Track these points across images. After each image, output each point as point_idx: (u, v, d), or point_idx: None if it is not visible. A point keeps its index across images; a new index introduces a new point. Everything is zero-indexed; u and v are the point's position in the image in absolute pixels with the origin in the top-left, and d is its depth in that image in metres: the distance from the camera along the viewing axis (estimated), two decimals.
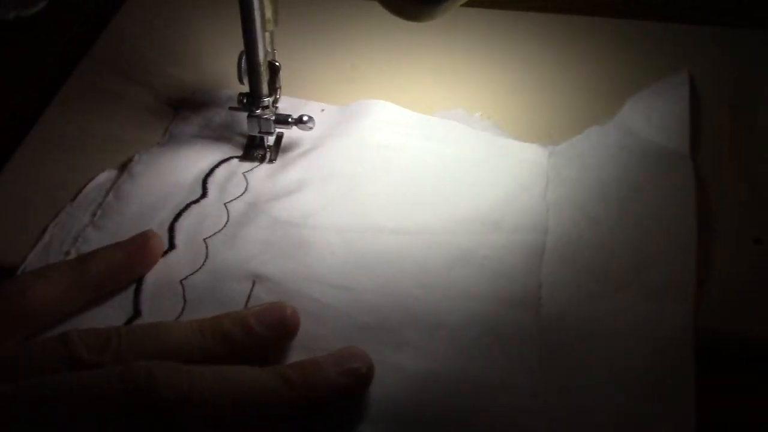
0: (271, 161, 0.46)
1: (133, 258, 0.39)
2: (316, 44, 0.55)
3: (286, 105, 0.48)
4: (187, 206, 0.43)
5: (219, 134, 0.49)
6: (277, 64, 0.45)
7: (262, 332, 0.35)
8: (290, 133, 0.48)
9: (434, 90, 0.52)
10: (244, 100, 0.46)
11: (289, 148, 0.48)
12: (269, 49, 0.45)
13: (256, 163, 0.46)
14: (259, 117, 0.45)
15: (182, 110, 0.51)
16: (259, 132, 0.46)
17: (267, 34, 0.44)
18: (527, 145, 0.47)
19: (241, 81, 0.45)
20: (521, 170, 0.45)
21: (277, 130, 0.47)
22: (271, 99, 0.46)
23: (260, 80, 0.45)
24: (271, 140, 0.47)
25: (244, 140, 0.48)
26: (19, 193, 0.45)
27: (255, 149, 0.47)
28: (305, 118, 0.46)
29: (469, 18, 0.55)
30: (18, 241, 0.42)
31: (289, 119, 0.46)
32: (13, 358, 0.31)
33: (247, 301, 0.38)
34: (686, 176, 0.42)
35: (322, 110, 0.50)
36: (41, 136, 0.49)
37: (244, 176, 0.46)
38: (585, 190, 0.43)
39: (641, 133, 0.46)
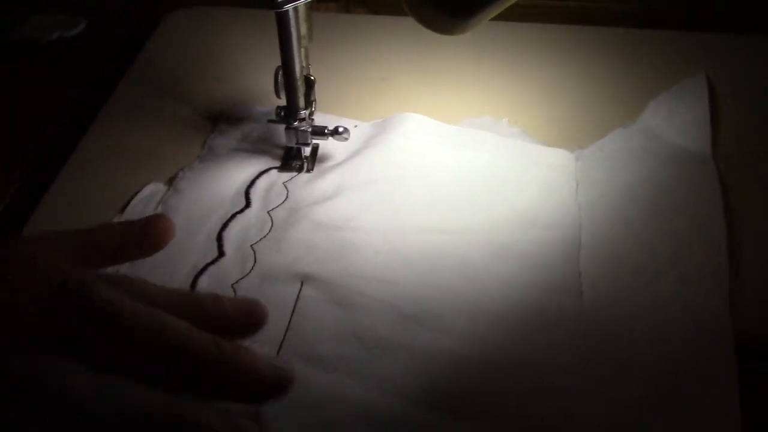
0: (308, 171, 0.49)
1: (144, 236, 0.35)
2: (346, 59, 0.58)
3: (320, 120, 0.50)
4: (233, 216, 0.45)
5: (257, 147, 0.51)
6: (312, 78, 0.48)
7: (228, 305, 0.31)
8: (325, 146, 0.50)
9: (461, 100, 0.54)
10: (282, 113, 0.48)
11: (325, 159, 0.50)
12: (304, 64, 0.47)
13: (294, 173, 0.49)
14: (296, 129, 0.48)
15: (220, 124, 0.53)
16: (297, 143, 0.48)
17: (302, 50, 0.46)
18: (555, 150, 0.49)
19: (278, 95, 0.47)
20: (551, 173, 0.47)
21: (314, 141, 0.49)
22: (307, 111, 0.48)
23: (297, 94, 0.47)
24: (307, 151, 0.49)
25: (281, 152, 0.50)
26: (65, 208, 0.47)
27: (292, 160, 0.49)
28: (341, 129, 0.48)
29: (495, 30, 0.58)
30: None
31: (326, 131, 0.48)
32: None
33: (297, 301, 0.40)
34: (711, 177, 0.44)
35: (355, 126, 0.52)
36: (86, 152, 0.51)
37: (284, 185, 0.48)
38: (615, 191, 0.45)
39: (664, 136, 0.48)
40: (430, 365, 0.36)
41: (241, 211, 0.46)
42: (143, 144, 0.52)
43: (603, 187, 0.46)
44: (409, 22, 0.62)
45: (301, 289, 0.41)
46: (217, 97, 0.55)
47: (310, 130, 0.48)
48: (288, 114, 0.48)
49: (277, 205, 0.46)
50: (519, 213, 0.45)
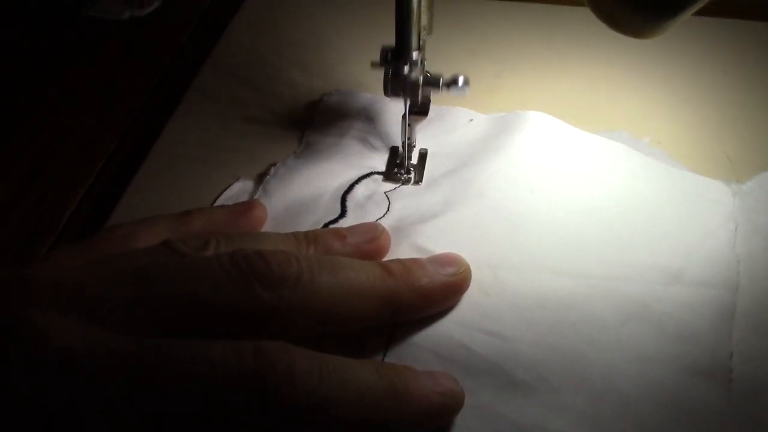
0: (416, 183, 0.42)
1: (236, 222, 0.38)
2: (458, 50, 0.51)
3: (431, 114, 0.43)
4: (325, 226, 0.40)
5: (358, 145, 0.45)
6: (428, 74, 0.41)
7: (355, 241, 0.35)
8: (435, 149, 0.44)
9: (589, 106, 0.47)
10: (388, 57, 0.40)
11: (434, 164, 0.43)
12: (420, 66, 0.40)
13: (398, 185, 0.42)
14: (406, 77, 0.39)
15: (316, 117, 0.47)
16: (403, 94, 0.40)
17: (421, 43, 0.39)
18: (710, 181, 0.41)
19: (386, 93, 0.41)
20: (705, 211, 0.39)
21: (424, 96, 0.41)
22: (420, 55, 0.40)
23: (411, 30, 0.38)
24: (414, 158, 0.43)
25: (385, 150, 0.44)
26: (146, 206, 0.42)
27: (398, 168, 0.43)
28: (460, 80, 0.40)
29: None
30: None
31: (441, 80, 0.40)
32: (119, 255, 0.31)
33: (386, 348, 0.34)
34: None
35: (471, 120, 0.45)
36: (165, 148, 0.46)
37: (386, 195, 0.41)
38: None
39: None
40: None
41: (335, 220, 0.40)
42: (227, 138, 0.46)
43: (767, 235, 0.38)
44: (528, 9, 0.55)
45: (392, 333, 0.34)
46: (308, 89, 0.49)
47: (421, 79, 0.40)
48: (397, 55, 0.39)
49: (377, 218, 0.40)
50: (662, 260, 0.36)
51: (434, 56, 0.42)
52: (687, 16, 0.27)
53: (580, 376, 0.32)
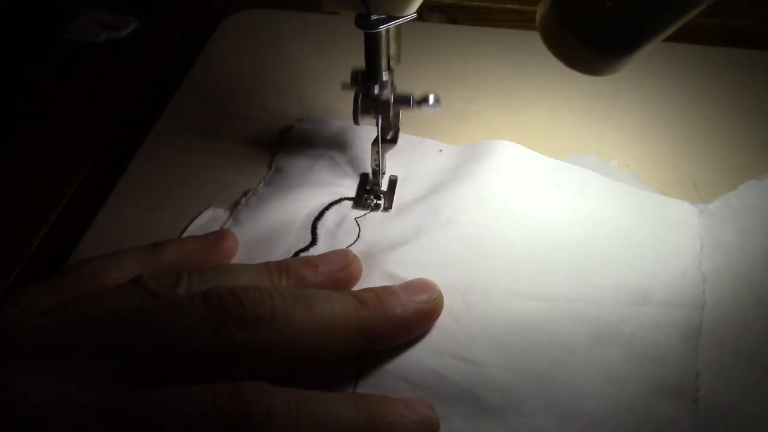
0: (385, 209, 0.42)
1: (207, 252, 0.38)
2: (429, 76, 0.51)
3: (401, 142, 0.44)
4: (296, 254, 0.40)
5: (328, 171, 0.45)
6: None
7: (327, 269, 0.36)
8: (405, 176, 0.44)
9: (559, 131, 0.48)
10: (359, 79, 0.40)
11: (404, 191, 0.44)
12: (389, 87, 0.41)
13: (368, 211, 0.42)
14: (376, 98, 0.40)
15: (286, 143, 0.47)
16: (375, 114, 0.40)
17: (389, 72, 0.40)
18: (676, 202, 0.42)
19: (356, 121, 0.41)
20: (671, 232, 0.40)
21: (395, 112, 0.42)
22: (390, 75, 0.40)
23: (380, 54, 0.39)
24: (384, 185, 0.43)
25: (355, 176, 0.44)
26: (116, 232, 0.42)
27: (368, 194, 0.43)
28: (431, 98, 0.41)
29: None
30: None
31: (411, 99, 0.41)
32: (90, 297, 0.31)
33: (357, 377, 0.34)
34: None
35: (440, 151, 0.46)
36: (138, 171, 0.45)
37: (356, 222, 0.42)
38: (748, 260, 0.37)
39: None
40: None
41: (306, 248, 0.40)
42: (201, 162, 0.46)
43: (732, 253, 0.38)
44: (494, 34, 0.56)
45: (364, 362, 0.34)
46: (283, 111, 0.50)
47: (392, 98, 0.40)
48: (367, 76, 0.40)
49: (347, 245, 0.40)
50: (630, 281, 0.37)
51: (405, 82, 0.42)
52: (641, 54, 0.28)
53: (551, 399, 0.32)
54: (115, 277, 0.33)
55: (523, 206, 0.41)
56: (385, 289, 0.34)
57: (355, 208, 0.42)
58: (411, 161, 0.45)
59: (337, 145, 0.46)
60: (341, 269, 0.36)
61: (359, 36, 0.39)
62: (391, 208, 0.43)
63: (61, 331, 0.28)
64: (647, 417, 0.32)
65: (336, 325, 0.31)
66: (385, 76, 0.40)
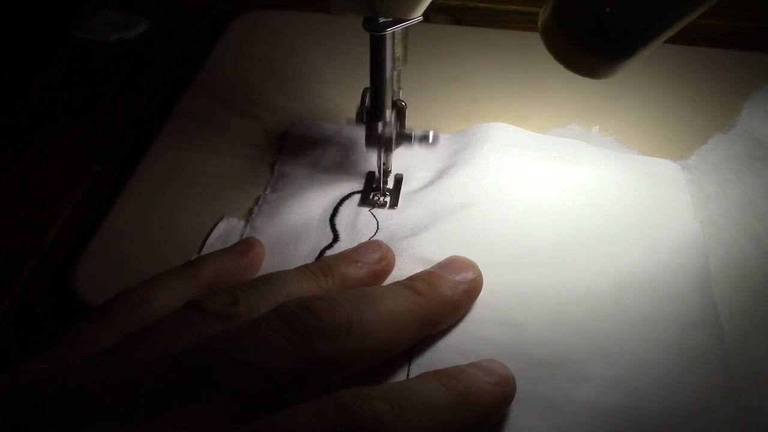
0: (391, 207, 0.43)
1: (239, 263, 0.38)
2: (434, 76, 0.52)
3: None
4: (322, 252, 0.40)
5: (332, 171, 0.46)
6: (403, 104, 0.42)
7: (366, 263, 0.36)
8: (408, 168, 0.45)
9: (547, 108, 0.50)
10: (364, 115, 0.42)
11: (409, 183, 0.45)
12: (395, 89, 0.42)
13: (375, 208, 0.43)
14: (381, 134, 0.42)
15: (288, 145, 0.48)
16: (379, 146, 0.42)
17: (395, 73, 0.41)
18: (659, 161, 0.46)
19: (360, 120, 0.42)
20: (662, 188, 0.43)
21: (397, 149, 0.43)
22: (393, 114, 0.42)
23: (384, 94, 0.41)
24: (390, 183, 0.44)
25: (360, 176, 0.45)
26: (127, 229, 0.42)
27: (374, 192, 0.44)
28: (431, 136, 0.42)
29: None
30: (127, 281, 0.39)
31: (413, 135, 0.43)
32: (154, 331, 0.30)
33: (412, 350, 0.35)
34: None
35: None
36: (150, 169, 0.46)
37: (372, 214, 0.43)
38: (734, 205, 0.43)
39: (766, 140, 0.47)
40: (573, 419, 0.32)
41: (330, 245, 0.41)
42: (211, 162, 0.47)
43: (720, 201, 0.43)
44: (498, 35, 0.57)
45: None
46: (291, 111, 0.51)
47: (394, 135, 0.42)
48: (372, 116, 0.42)
49: (368, 238, 0.41)
50: (638, 235, 0.40)
51: (410, 83, 0.43)
52: (641, 57, 0.29)
53: (593, 346, 0.35)
54: (164, 303, 0.33)
55: (530, 180, 0.44)
56: (431, 275, 0.35)
57: (362, 206, 0.43)
58: (408, 152, 0.46)
59: (335, 146, 0.47)
60: (379, 261, 0.37)
61: (366, 37, 0.40)
62: (396, 205, 0.43)
63: (140, 376, 0.27)
64: (682, 348, 0.35)
65: (402, 320, 0.32)
66: (387, 115, 0.42)
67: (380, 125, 0.42)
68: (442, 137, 0.47)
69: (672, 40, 0.30)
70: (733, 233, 0.41)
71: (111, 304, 0.33)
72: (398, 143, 0.43)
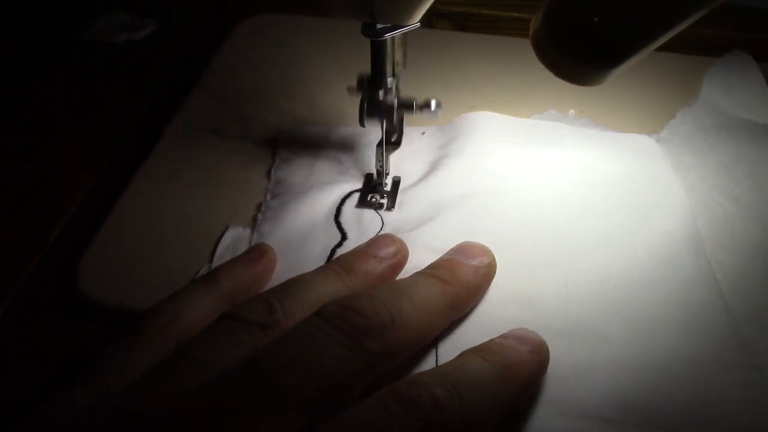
0: (388, 209, 0.44)
1: (255, 270, 0.38)
2: (433, 82, 0.53)
3: None
4: (333, 252, 0.41)
5: (328, 171, 0.47)
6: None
7: (384, 256, 0.37)
8: (399, 162, 0.46)
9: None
10: (365, 84, 0.42)
11: (404, 177, 0.46)
12: (395, 93, 0.42)
13: (372, 209, 0.44)
14: (380, 103, 0.42)
15: (280, 153, 0.48)
16: (380, 116, 0.42)
17: (395, 78, 0.42)
18: (637, 136, 0.48)
19: (362, 124, 0.43)
20: (643, 162, 0.46)
21: (399, 116, 0.44)
22: (394, 81, 0.42)
23: (385, 61, 0.41)
24: (388, 185, 0.45)
25: (355, 172, 0.46)
26: (131, 228, 0.43)
27: (372, 193, 0.45)
28: (433, 104, 0.43)
29: None
30: (129, 278, 0.40)
31: (414, 103, 0.43)
32: (190, 346, 0.30)
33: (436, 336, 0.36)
34: None
35: (423, 133, 0.48)
36: (153, 170, 0.47)
37: (375, 211, 0.44)
38: (711, 171, 0.45)
39: (728, 111, 0.50)
40: (599, 380, 0.34)
41: (340, 244, 0.41)
42: (214, 163, 0.47)
43: (696, 169, 0.46)
44: (501, 42, 0.58)
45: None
46: (294, 114, 0.51)
47: (395, 102, 0.42)
48: (373, 82, 0.42)
49: (376, 233, 0.42)
50: (632, 206, 0.43)
51: (409, 88, 0.44)
52: (629, 65, 0.29)
53: (606, 311, 0.37)
54: (192, 319, 0.33)
55: (523, 165, 0.45)
56: (450, 261, 0.36)
57: (360, 207, 0.44)
58: (398, 149, 0.46)
59: (327, 148, 0.48)
60: (395, 254, 0.37)
61: (367, 41, 0.41)
62: (394, 207, 0.44)
63: (198, 398, 0.27)
64: (687, 304, 0.37)
65: (436, 308, 0.33)
66: (389, 83, 0.42)
67: (381, 93, 0.42)
68: (429, 130, 0.48)
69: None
70: (715, 197, 0.44)
71: (142, 326, 0.32)
72: (399, 112, 0.43)
